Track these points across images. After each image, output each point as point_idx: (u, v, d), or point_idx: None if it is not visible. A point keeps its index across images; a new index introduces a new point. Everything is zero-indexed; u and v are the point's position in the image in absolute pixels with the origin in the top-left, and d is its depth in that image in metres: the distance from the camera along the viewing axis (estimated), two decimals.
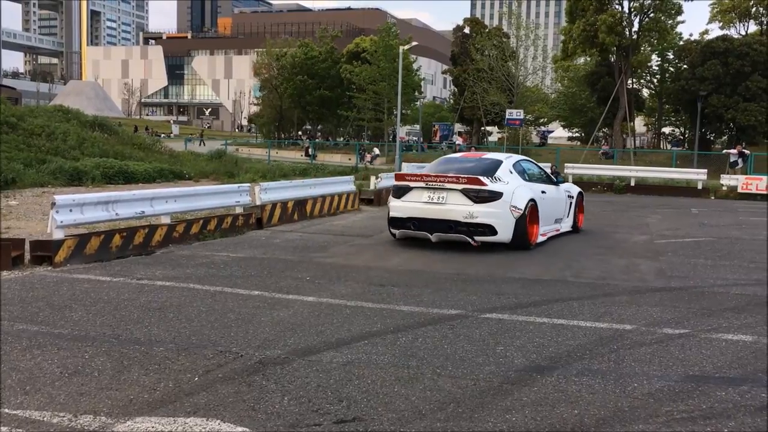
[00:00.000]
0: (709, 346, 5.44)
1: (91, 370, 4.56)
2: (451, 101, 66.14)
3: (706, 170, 26.71)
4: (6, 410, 3.86)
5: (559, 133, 72.33)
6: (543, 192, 11.35)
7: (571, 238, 12.11)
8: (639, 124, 58.82)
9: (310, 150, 48.20)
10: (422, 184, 10.57)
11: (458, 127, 64.89)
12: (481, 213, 10.11)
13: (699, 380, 4.63)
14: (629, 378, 4.65)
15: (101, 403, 4.01)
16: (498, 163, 11.05)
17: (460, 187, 10.24)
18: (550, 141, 67.58)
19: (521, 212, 10.32)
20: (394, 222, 10.96)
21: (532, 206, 10.65)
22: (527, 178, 11.28)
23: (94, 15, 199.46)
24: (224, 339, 5.36)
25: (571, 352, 5.25)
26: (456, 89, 59.07)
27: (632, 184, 26.09)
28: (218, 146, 43.06)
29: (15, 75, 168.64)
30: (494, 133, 60.81)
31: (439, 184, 10.40)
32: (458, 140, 51.19)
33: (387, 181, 19.16)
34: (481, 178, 10.29)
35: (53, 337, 5.33)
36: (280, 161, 38.42)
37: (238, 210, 12.28)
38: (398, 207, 10.83)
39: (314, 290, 7.26)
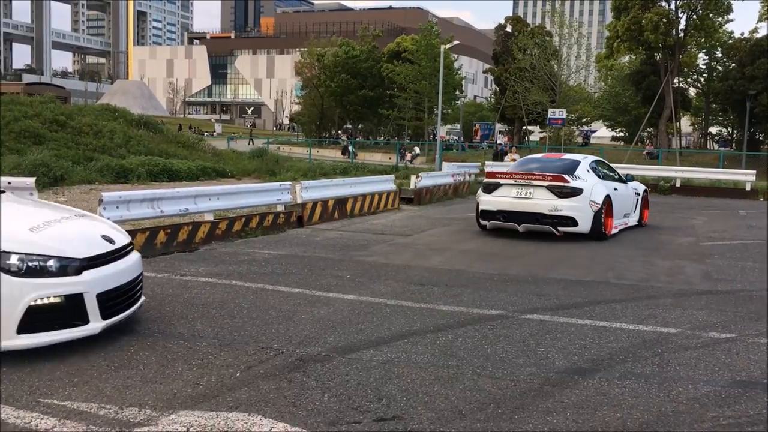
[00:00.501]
0: (757, 351, 5.31)
1: (136, 363, 4.67)
2: (492, 100, 65.73)
3: (754, 171, 25.98)
4: (55, 401, 3.97)
5: (602, 132, 71.32)
6: (615, 189, 12.54)
7: (613, 240, 11.94)
8: (685, 123, 57.68)
9: (349, 148, 48.39)
10: (511, 181, 11.89)
11: (499, 126, 64.45)
12: (564, 207, 11.40)
13: (746, 386, 4.52)
14: (674, 382, 4.56)
15: (146, 396, 4.10)
16: (577, 163, 12.45)
17: (545, 183, 11.56)
18: (593, 141, 66.67)
19: (599, 206, 11.56)
20: (485, 214, 12.25)
21: (608, 201, 11.88)
22: (601, 176, 12.56)
23: (141, 15, 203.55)
24: (265, 335, 5.42)
25: (614, 354, 5.17)
26: (497, 88, 58.69)
27: (678, 185, 25.55)
28: (260, 145, 43.55)
29: (64, 74, 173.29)
30: (535, 133, 60.23)
31: (526, 181, 11.71)
32: (503, 140, 50.88)
33: (427, 180, 19.14)
34: (564, 175, 11.63)
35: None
36: (321, 160, 38.68)
37: (280, 208, 12.40)
38: (489, 201, 12.14)
39: (354, 288, 7.29)
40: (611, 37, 43.17)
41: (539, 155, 15.25)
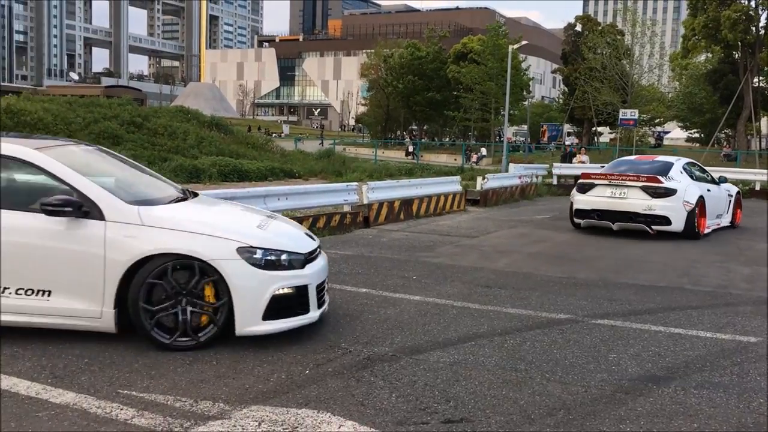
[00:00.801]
0: None
1: (209, 358, 4.79)
2: (561, 101, 64.59)
3: None
4: (134, 393, 4.12)
5: (676, 133, 69.15)
6: (708, 190, 12.85)
7: (689, 244, 11.57)
8: (765, 124, 55.23)
9: (409, 148, 48.34)
10: (605, 182, 12.50)
11: (567, 127, 63.25)
12: (658, 206, 11.89)
13: None
14: (754, 393, 4.38)
15: (219, 390, 4.20)
16: (670, 165, 12.82)
17: (640, 184, 12.11)
18: (666, 142, 64.69)
19: (692, 206, 11.96)
20: (579, 213, 12.87)
21: (701, 202, 12.24)
22: (694, 178, 12.88)
23: (213, 19, 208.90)
24: (333, 334, 5.47)
25: (690, 363, 5.01)
26: (566, 88, 57.62)
27: (757, 188, 24.48)
28: (327, 145, 44.04)
29: (140, 77, 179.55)
30: (605, 134, 58.83)
31: (620, 181, 12.31)
32: (574, 140, 50.02)
33: (493, 181, 18.96)
34: (658, 176, 12.15)
35: None
36: (387, 161, 38.81)
37: (346, 208, 12.51)
38: (583, 200, 12.76)
39: (420, 289, 7.29)
40: (687, 35, 41.78)
41: (632, 157, 15.66)
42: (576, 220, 12.99)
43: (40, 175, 5.04)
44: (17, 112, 24.17)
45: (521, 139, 59.15)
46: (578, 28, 54.59)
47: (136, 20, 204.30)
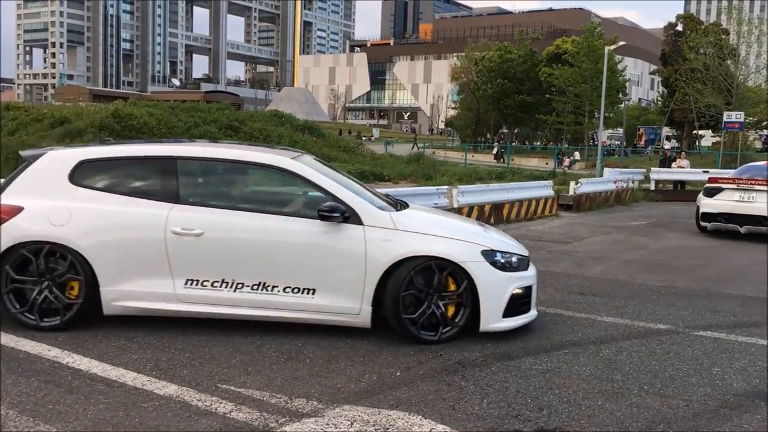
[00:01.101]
0: None
1: (303, 357, 4.89)
2: (659, 103, 62.27)
3: None
4: (232, 387, 4.26)
5: None
6: None
7: None
8: None
9: (494, 150, 47.80)
10: (733, 186, 12.81)
11: (666, 130, 60.87)
12: None
13: None
14: None
15: (312, 388, 4.29)
16: None
17: None
18: None
19: None
20: (706, 216, 13.17)
21: None
22: None
23: (307, 25, 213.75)
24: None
25: None
26: (665, 90, 55.51)
27: None
28: (418, 148, 44.11)
29: (237, 83, 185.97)
30: (707, 137, 56.26)
31: (749, 185, 12.58)
32: (671, 144, 48.13)
33: (587, 186, 18.46)
34: None
35: (270, 323, 5.71)
36: (476, 165, 38.50)
37: None
38: (710, 204, 13.05)
39: None
40: None
41: (760, 163, 15.56)
42: (702, 224, 13.23)
43: (297, 182, 5.43)
44: (124, 116, 25.48)
45: (616, 142, 57.36)
46: (679, 27, 52.54)
47: (234, 28, 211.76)
